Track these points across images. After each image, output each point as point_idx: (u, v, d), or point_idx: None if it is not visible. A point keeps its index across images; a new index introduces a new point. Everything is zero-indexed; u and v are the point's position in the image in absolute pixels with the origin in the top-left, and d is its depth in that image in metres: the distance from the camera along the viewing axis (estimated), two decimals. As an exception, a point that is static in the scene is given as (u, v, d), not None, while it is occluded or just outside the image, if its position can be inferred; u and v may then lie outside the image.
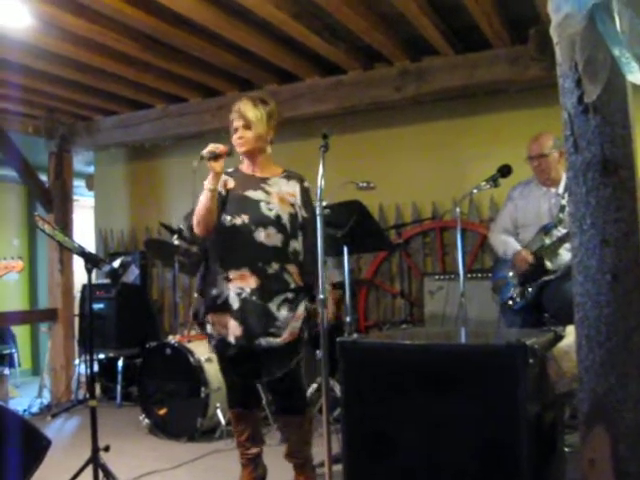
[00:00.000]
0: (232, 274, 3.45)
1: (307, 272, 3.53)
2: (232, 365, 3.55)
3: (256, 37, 4.97)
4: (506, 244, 4.57)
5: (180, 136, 6.75)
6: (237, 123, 3.52)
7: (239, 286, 3.42)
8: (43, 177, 7.23)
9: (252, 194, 3.50)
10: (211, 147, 3.39)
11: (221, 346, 3.50)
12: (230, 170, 3.62)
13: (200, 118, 6.39)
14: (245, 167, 3.63)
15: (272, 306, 3.41)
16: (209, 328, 3.53)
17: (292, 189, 3.56)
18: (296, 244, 3.50)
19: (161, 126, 6.63)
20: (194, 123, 6.43)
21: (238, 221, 3.45)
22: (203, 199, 3.42)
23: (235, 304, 3.42)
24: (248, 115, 3.48)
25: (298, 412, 3.57)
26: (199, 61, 5.51)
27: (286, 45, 5.24)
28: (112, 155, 7.83)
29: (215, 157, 3.37)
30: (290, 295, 3.44)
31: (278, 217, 3.45)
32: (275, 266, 3.43)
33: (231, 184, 3.56)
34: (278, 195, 3.52)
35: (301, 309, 3.49)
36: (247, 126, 3.49)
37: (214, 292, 3.48)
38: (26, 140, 7.16)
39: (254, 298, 3.40)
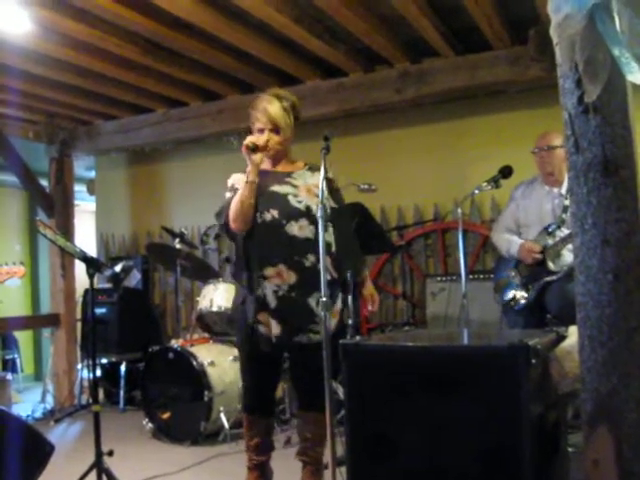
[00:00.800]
0: (268, 272, 3.37)
1: (340, 264, 3.49)
2: (263, 362, 3.50)
3: (256, 40, 4.97)
4: (509, 242, 4.56)
5: (180, 140, 6.76)
6: (265, 125, 3.45)
7: (276, 283, 3.37)
8: (44, 182, 7.23)
9: (278, 188, 3.45)
10: (253, 138, 3.37)
11: (267, 344, 3.42)
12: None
13: (200, 122, 6.39)
14: (266, 164, 3.54)
15: (312, 301, 3.36)
16: (261, 328, 3.42)
17: (317, 181, 3.38)
18: (327, 236, 3.35)
19: (161, 130, 6.64)
20: (194, 127, 6.44)
21: (268, 217, 3.39)
22: (242, 192, 3.34)
23: (272, 302, 3.37)
24: (279, 121, 3.43)
25: (319, 409, 3.49)
26: (199, 64, 5.52)
27: (287, 48, 5.24)
28: (113, 160, 7.84)
29: (254, 149, 3.34)
30: (328, 290, 3.34)
31: (308, 208, 3.40)
32: (311, 258, 3.36)
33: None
34: (305, 187, 3.47)
35: (338, 304, 3.50)
36: (275, 130, 3.45)
37: (259, 292, 3.40)
38: (27, 145, 7.17)
39: (293, 294, 3.36)
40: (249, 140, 3.36)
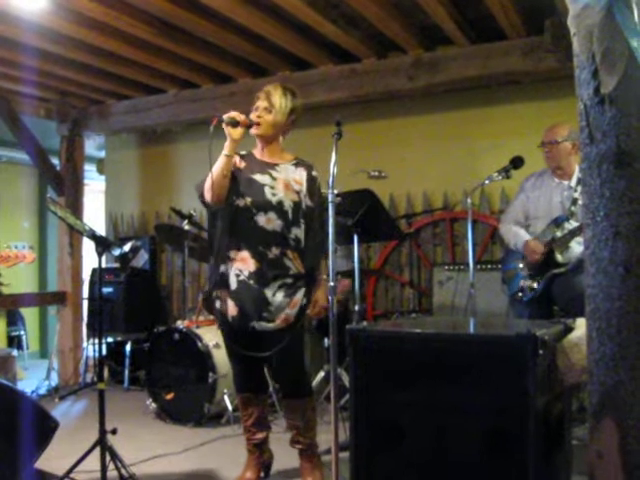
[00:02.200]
0: (233, 254, 3.50)
1: (307, 260, 3.55)
2: (231, 341, 3.63)
3: (270, 23, 4.95)
4: (517, 236, 4.54)
5: (191, 122, 6.75)
6: (260, 103, 3.54)
7: (239, 267, 3.48)
8: (55, 160, 7.25)
9: (259, 177, 3.52)
10: (233, 114, 3.42)
11: (222, 321, 3.59)
12: (243, 152, 3.64)
13: (211, 104, 6.38)
14: (256, 151, 3.65)
15: (268, 291, 3.45)
16: (217, 303, 3.58)
17: (299, 176, 3.57)
18: (298, 231, 3.52)
19: (173, 111, 6.64)
20: (205, 109, 6.42)
21: (241, 203, 3.48)
22: (218, 163, 3.43)
23: (233, 285, 3.49)
24: (273, 100, 3.50)
25: (301, 397, 3.59)
26: (212, 46, 5.51)
27: (300, 32, 5.22)
28: (123, 140, 7.84)
29: (234, 124, 3.40)
30: (289, 280, 3.47)
31: (280, 203, 3.48)
32: (275, 251, 3.46)
33: (241, 165, 3.58)
34: (284, 181, 3.53)
35: (298, 296, 3.52)
36: (269, 110, 3.51)
37: (222, 268, 3.53)
38: (38, 123, 7.18)
39: (251, 282, 3.45)
40: (229, 115, 3.42)
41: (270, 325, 3.44)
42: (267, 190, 3.48)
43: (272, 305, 3.44)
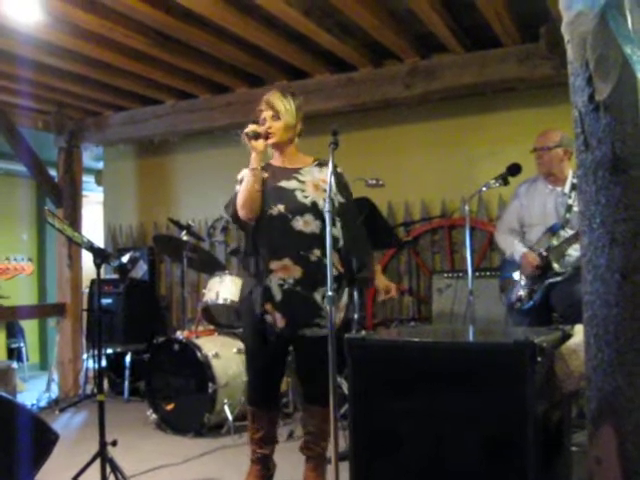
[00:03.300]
0: (274, 265, 3.42)
1: (348, 258, 3.51)
2: (267, 355, 3.55)
3: (266, 33, 4.97)
4: (513, 246, 4.53)
5: (189, 132, 6.77)
6: (265, 114, 3.51)
7: (281, 277, 3.41)
8: (52, 172, 7.25)
9: (286, 184, 3.48)
10: (253, 127, 3.42)
11: (271, 333, 3.47)
12: (262, 165, 3.59)
13: (209, 114, 6.40)
14: (275, 160, 3.62)
15: (317, 296, 3.40)
16: (268, 318, 3.46)
17: (325, 176, 3.44)
18: (335, 230, 3.40)
19: (170, 122, 6.65)
20: (203, 119, 6.45)
21: (274, 211, 3.43)
22: (248, 180, 3.41)
23: (277, 296, 3.42)
24: (277, 105, 3.48)
25: (324, 404, 3.50)
26: (209, 57, 5.52)
27: (296, 41, 5.24)
28: (121, 151, 7.85)
29: (256, 137, 3.40)
30: (334, 285, 3.38)
31: (314, 204, 3.43)
32: (317, 253, 3.41)
33: (264, 175, 3.52)
34: (312, 183, 3.49)
35: (344, 299, 3.52)
36: (276, 116, 3.49)
37: (265, 282, 3.45)
38: (35, 135, 7.18)
39: (298, 289, 3.40)
40: (249, 128, 3.42)
41: (323, 331, 3.31)
42: (298, 194, 3.45)
43: (323, 310, 3.36)
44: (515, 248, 4.51)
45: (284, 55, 5.46)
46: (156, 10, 4.51)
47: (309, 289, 3.41)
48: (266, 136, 3.45)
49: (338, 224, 3.48)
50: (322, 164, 3.58)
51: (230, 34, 5.01)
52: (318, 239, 3.39)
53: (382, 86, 5.64)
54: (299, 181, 3.50)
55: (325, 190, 3.33)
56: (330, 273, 3.01)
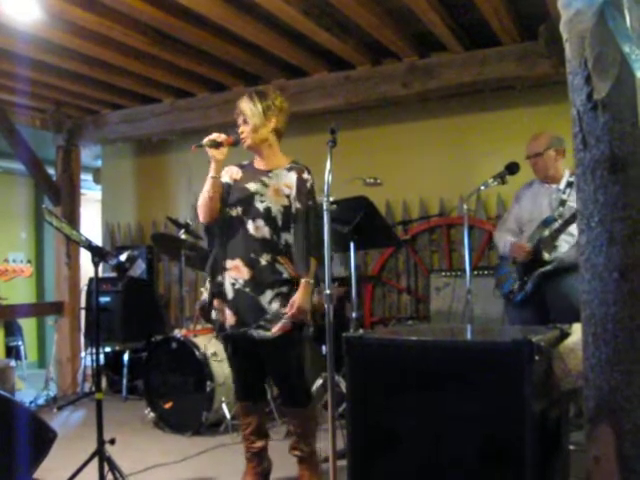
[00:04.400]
0: (228, 264, 3.54)
1: (296, 264, 3.53)
2: (231, 350, 3.68)
3: (264, 32, 4.96)
4: (504, 241, 4.59)
5: (187, 130, 6.76)
6: (238, 119, 3.58)
7: (234, 276, 3.52)
8: (50, 171, 7.25)
9: (251, 186, 3.56)
10: (213, 136, 3.49)
11: (221, 331, 3.63)
12: (245, 163, 3.70)
13: (207, 113, 6.40)
14: (256, 161, 3.68)
15: (263, 299, 3.47)
16: (214, 314, 3.62)
17: (290, 180, 3.56)
18: (288, 236, 3.53)
19: (168, 120, 6.65)
20: (201, 118, 6.44)
21: (234, 212, 3.55)
22: (205, 186, 3.51)
23: (229, 294, 3.53)
24: (243, 109, 3.54)
25: (302, 405, 3.59)
26: (207, 55, 5.52)
27: (294, 40, 5.23)
28: (119, 149, 7.84)
29: (216, 145, 3.46)
30: (284, 288, 3.47)
31: (268, 210, 3.50)
32: (266, 257, 3.48)
33: (238, 176, 3.63)
34: (274, 187, 3.55)
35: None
36: (245, 120, 3.54)
37: (219, 279, 3.57)
38: (34, 134, 7.18)
39: (247, 290, 3.49)
40: (207, 138, 3.49)
41: (268, 334, 3.44)
42: (256, 198, 3.52)
43: (268, 313, 3.45)
44: (505, 241, 4.56)
45: (282, 53, 5.45)
46: (154, 8, 4.51)
47: (256, 291, 3.48)
48: (232, 143, 3.51)
49: (292, 230, 3.54)
50: (292, 168, 3.62)
51: (228, 32, 5.01)
52: (268, 244, 3.50)
53: (380, 85, 5.63)
54: (263, 184, 3.55)
55: (286, 195, 3.51)
56: (329, 273, 3.04)
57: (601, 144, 1.95)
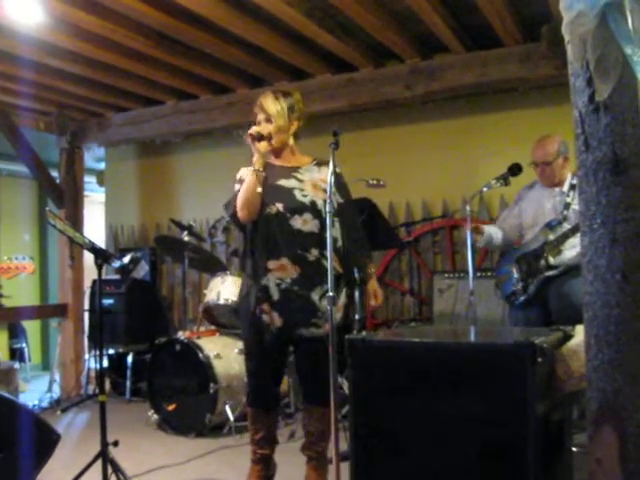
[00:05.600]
0: (271, 264, 3.42)
1: (352, 259, 3.51)
2: (266, 355, 3.53)
3: (267, 34, 4.97)
4: (487, 231, 4.60)
5: (190, 133, 6.78)
6: (259, 117, 3.52)
7: (279, 276, 3.41)
8: (54, 173, 7.26)
9: (285, 182, 3.49)
10: (257, 128, 3.43)
11: (266, 333, 3.46)
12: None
13: (210, 115, 6.41)
14: (273, 160, 3.60)
15: (314, 295, 3.40)
16: (264, 317, 3.45)
17: (324, 175, 3.45)
18: (334, 231, 3.36)
19: (171, 123, 6.66)
20: (204, 120, 6.46)
21: (273, 210, 3.43)
22: (249, 181, 3.40)
23: (275, 295, 3.42)
24: (268, 109, 3.48)
25: (324, 404, 3.49)
26: (210, 58, 5.53)
27: (297, 42, 5.24)
28: (123, 151, 7.85)
29: (260, 138, 3.40)
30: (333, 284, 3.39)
31: (313, 203, 3.44)
32: (315, 253, 3.41)
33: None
34: (311, 182, 3.50)
35: (342, 299, 3.50)
36: (268, 119, 3.49)
37: (263, 281, 3.44)
38: (37, 136, 7.19)
39: (295, 288, 3.40)
40: (254, 129, 3.42)
41: (320, 331, 3.36)
42: (297, 193, 3.45)
43: (320, 310, 3.38)
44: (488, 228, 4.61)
45: (285, 56, 5.46)
46: (157, 11, 4.52)
47: (306, 289, 3.41)
48: (269, 137, 3.44)
49: (337, 224, 3.48)
50: (321, 164, 3.58)
51: (231, 35, 5.02)
52: (316, 238, 3.41)
53: (383, 86, 5.64)
54: (298, 180, 3.50)
55: (324, 190, 3.36)
56: (331, 273, 3.01)
57: (603, 146, 1.95)
